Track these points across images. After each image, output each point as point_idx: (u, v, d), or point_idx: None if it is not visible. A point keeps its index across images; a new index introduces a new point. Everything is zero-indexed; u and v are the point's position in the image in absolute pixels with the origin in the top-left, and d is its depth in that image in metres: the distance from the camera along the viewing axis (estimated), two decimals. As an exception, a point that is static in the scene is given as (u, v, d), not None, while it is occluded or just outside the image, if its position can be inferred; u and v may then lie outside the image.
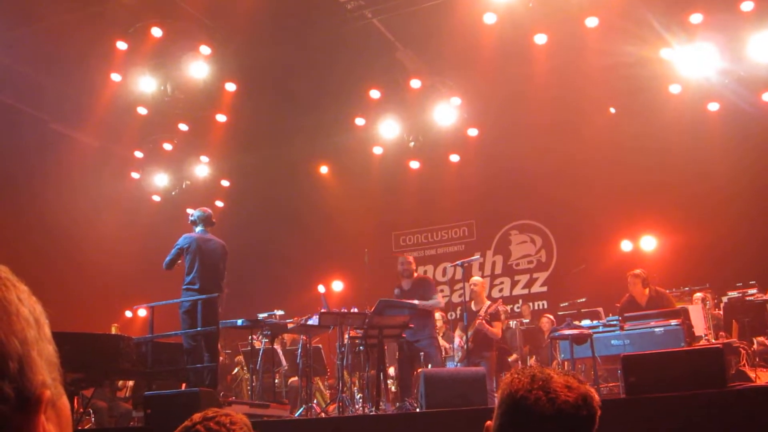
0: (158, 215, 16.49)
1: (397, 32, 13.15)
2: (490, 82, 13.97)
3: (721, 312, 11.10)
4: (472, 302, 11.15)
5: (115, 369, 9.21)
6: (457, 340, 11.24)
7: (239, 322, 10.62)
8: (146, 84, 13.60)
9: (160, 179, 16.69)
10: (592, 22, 11.81)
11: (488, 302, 11.13)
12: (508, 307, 14.65)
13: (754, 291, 11.40)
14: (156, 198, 16.78)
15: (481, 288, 11.25)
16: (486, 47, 12.33)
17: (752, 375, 9.38)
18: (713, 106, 13.47)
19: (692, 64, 12.54)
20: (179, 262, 9.94)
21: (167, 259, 9.96)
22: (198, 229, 10.11)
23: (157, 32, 12.57)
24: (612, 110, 14.56)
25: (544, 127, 14.88)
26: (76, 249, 14.98)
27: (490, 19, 11.61)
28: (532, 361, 12.92)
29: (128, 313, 15.68)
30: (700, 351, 6.64)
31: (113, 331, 12.10)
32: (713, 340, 10.25)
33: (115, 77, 13.52)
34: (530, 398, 1.94)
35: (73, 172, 15.14)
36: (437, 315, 13.38)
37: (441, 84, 14.35)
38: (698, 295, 11.62)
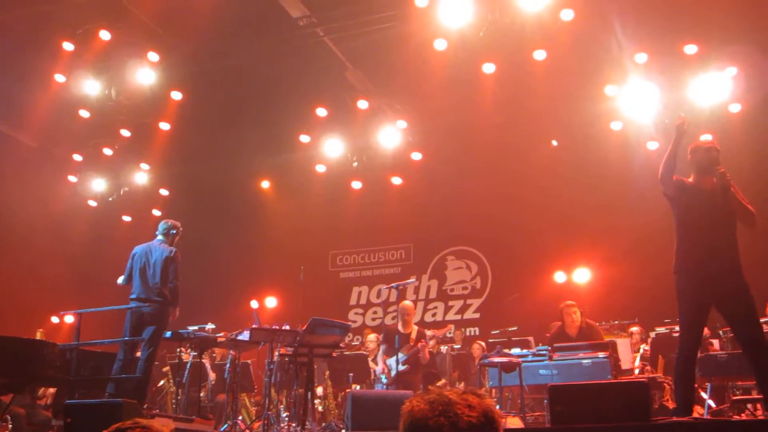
0: (93, 221, 16.19)
1: (348, 52, 13.18)
2: (436, 108, 14.07)
3: (649, 347, 11.27)
4: (400, 324, 11.19)
5: (39, 375, 8.98)
6: (380, 365, 11.24)
7: (167, 334, 10.53)
8: (90, 87, 13.31)
9: (98, 184, 16.30)
10: (540, 55, 11.94)
11: (416, 327, 11.25)
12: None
13: (681, 328, 11.57)
14: (92, 203, 16.41)
15: (413, 312, 11.30)
16: (435, 73, 12.39)
17: (675, 410, 9.51)
18: (652, 145, 13.71)
19: (634, 102, 12.77)
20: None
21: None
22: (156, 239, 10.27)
23: (105, 35, 12.35)
24: (554, 143, 14.75)
25: (487, 156, 15.03)
26: (6, 249, 14.64)
27: (440, 45, 11.67)
28: (461, 386, 12.91)
29: (55, 319, 15.37)
30: (626, 384, 6.72)
31: (39, 336, 11.79)
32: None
33: (59, 78, 13.23)
34: (432, 426, 1.93)
35: (8, 171, 14.80)
36: (371, 336, 13.38)
37: (388, 106, 14.41)
38: (635, 329, 11.78)
